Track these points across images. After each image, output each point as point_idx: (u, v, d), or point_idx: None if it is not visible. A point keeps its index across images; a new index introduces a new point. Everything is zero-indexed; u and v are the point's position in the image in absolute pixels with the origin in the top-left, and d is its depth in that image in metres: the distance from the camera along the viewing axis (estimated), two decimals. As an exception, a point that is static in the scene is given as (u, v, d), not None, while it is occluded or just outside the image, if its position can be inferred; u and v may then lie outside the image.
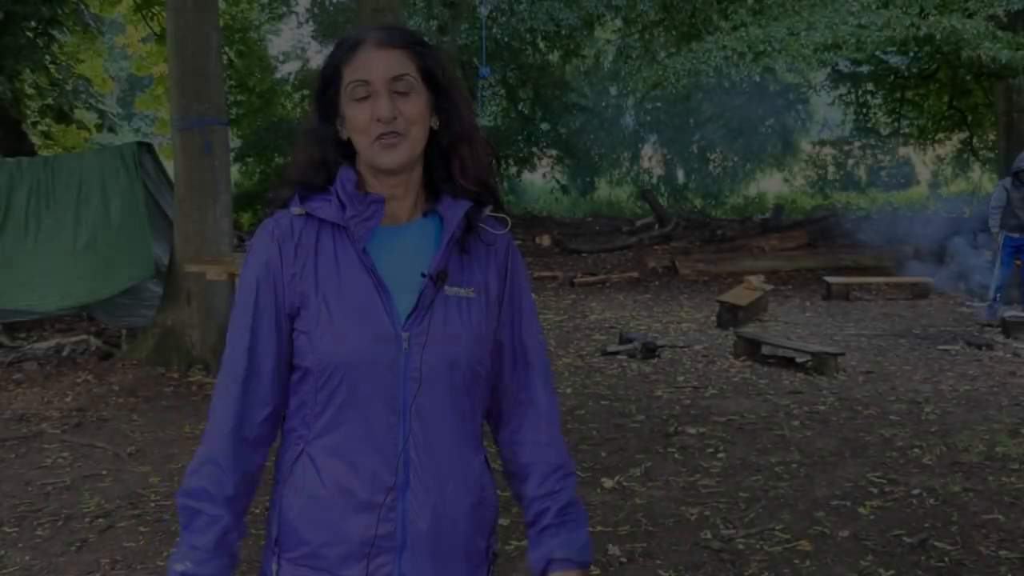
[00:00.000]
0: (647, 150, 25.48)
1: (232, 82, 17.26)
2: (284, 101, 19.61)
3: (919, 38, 9.67)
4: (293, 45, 26.56)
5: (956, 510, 4.34)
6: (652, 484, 4.72)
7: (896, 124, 20.06)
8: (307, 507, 1.43)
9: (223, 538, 1.45)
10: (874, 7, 9.95)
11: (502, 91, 21.21)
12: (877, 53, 13.21)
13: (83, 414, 6.12)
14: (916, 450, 5.24)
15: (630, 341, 8.07)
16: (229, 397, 1.47)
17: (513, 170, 22.27)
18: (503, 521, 3.57)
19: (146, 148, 9.01)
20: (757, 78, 15.62)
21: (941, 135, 19.88)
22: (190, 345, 7.30)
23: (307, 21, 20.45)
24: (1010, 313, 8.95)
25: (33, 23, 12.51)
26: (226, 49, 15.50)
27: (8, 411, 6.20)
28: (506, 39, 15.65)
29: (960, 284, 11.26)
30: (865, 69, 17.50)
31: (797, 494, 4.56)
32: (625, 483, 4.73)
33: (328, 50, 1.51)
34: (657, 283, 12.57)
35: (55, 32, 12.93)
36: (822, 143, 24.59)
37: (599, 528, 4.13)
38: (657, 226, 16.84)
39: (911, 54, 13.69)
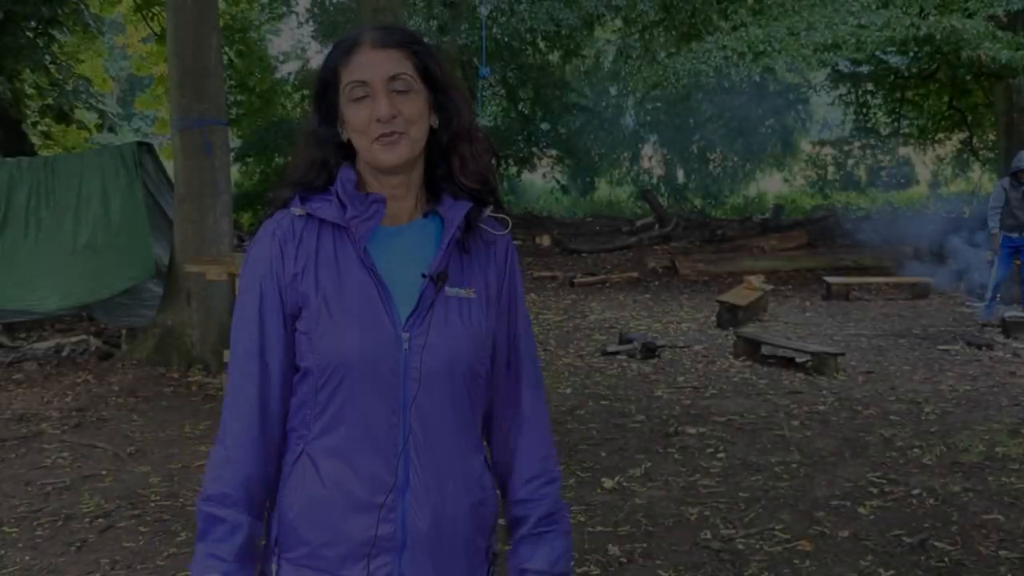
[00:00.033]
0: (647, 150, 25.48)
1: (232, 82, 17.26)
2: (284, 101, 19.61)
3: (919, 38, 9.68)
4: (293, 45, 26.64)
5: (956, 510, 4.34)
6: (652, 484, 4.72)
7: (896, 124, 20.06)
8: (307, 507, 1.43)
9: (247, 546, 1.45)
10: (874, 7, 9.94)
11: (502, 91, 21.21)
12: (877, 53, 13.22)
13: (83, 414, 6.12)
14: (916, 450, 5.24)
15: (630, 341, 8.07)
16: (245, 398, 1.46)
17: (513, 170, 22.27)
18: (503, 521, 3.57)
19: (146, 148, 9.01)
20: (757, 78, 15.62)
21: (941, 135, 19.88)
22: (190, 345, 7.30)
23: (307, 21, 20.45)
24: (1010, 313, 8.95)
25: (33, 23, 12.52)
26: (226, 49, 15.51)
27: (8, 411, 6.20)
28: (506, 39, 15.64)
29: (960, 284, 11.26)
30: (865, 69, 17.50)
31: (797, 494, 4.57)
32: (625, 483, 4.73)
33: (327, 50, 1.51)
34: (657, 283, 12.57)
35: (55, 32, 12.93)
36: (822, 143, 24.58)
37: (599, 528, 4.13)
38: (657, 226, 16.84)
39: (911, 54, 13.69)
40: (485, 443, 1.59)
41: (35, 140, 13.96)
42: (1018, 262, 9.65)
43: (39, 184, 8.15)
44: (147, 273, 8.03)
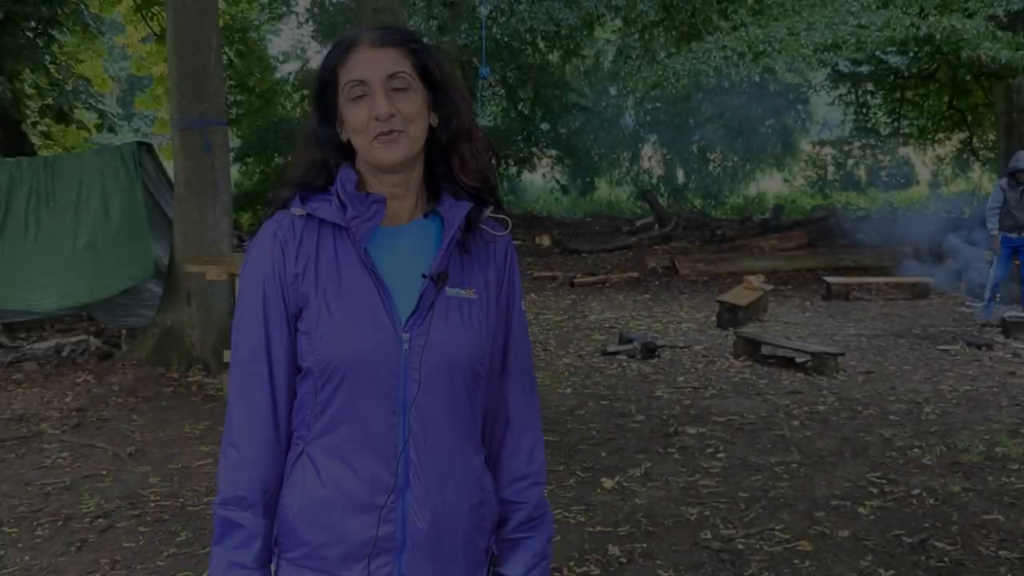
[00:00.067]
0: (647, 150, 25.48)
1: (232, 82, 17.26)
2: (284, 101, 19.61)
3: (919, 38, 9.67)
4: (293, 45, 26.63)
5: (956, 510, 4.34)
6: (652, 484, 4.72)
7: (896, 124, 20.06)
8: (307, 507, 1.44)
9: (266, 549, 1.46)
10: (874, 7, 9.94)
11: (502, 91, 21.21)
12: (877, 53, 13.21)
13: (83, 414, 6.12)
14: (916, 450, 5.24)
15: (630, 341, 8.07)
16: (255, 399, 1.46)
17: (513, 170, 22.27)
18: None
19: (146, 148, 9.01)
20: (757, 78, 15.61)
21: (941, 135, 19.87)
22: (190, 345, 7.30)
23: (307, 21, 20.45)
24: (1010, 313, 8.95)
25: (33, 23, 12.51)
26: (226, 49, 15.51)
27: (8, 411, 6.20)
28: (506, 39, 15.63)
29: (960, 284, 11.26)
30: (865, 69, 17.49)
31: (797, 494, 4.57)
32: (625, 483, 4.73)
33: (327, 50, 1.51)
34: (657, 283, 12.57)
35: (55, 32, 12.93)
36: (822, 143, 24.58)
37: (599, 528, 4.13)
38: (657, 226, 16.84)
39: (911, 54, 13.69)
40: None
41: (35, 140, 13.96)
42: (1017, 262, 9.64)
43: (39, 184, 8.14)
44: (147, 273, 8.03)
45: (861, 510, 4.34)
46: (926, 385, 6.82)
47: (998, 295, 9.53)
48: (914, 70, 16.71)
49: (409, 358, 1.42)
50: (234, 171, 15.23)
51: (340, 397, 1.42)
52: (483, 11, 11.76)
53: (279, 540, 1.47)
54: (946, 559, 3.80)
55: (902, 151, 23.44)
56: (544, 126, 22.60)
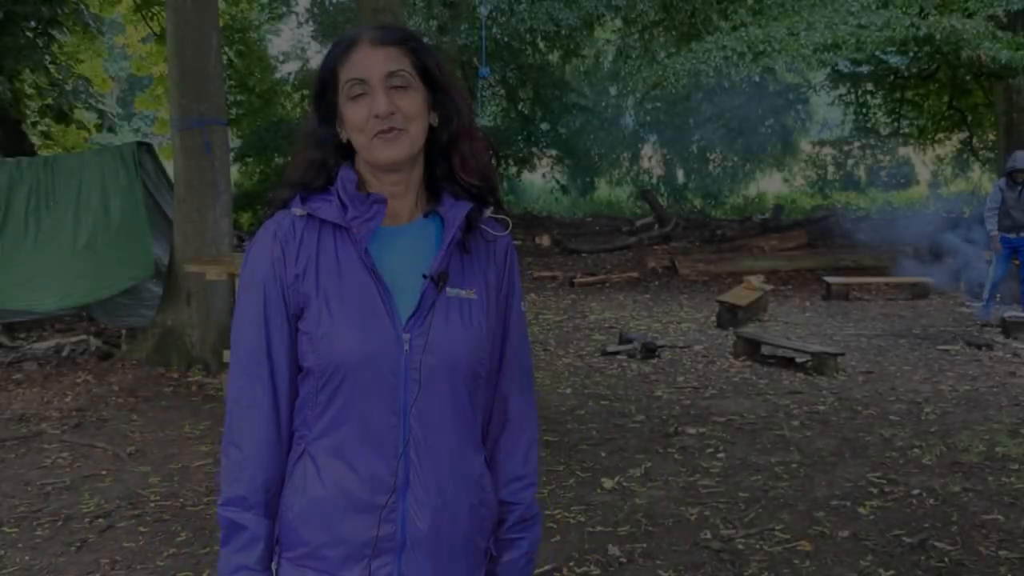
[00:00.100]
0: (647, 150, 25.47)
1: (232, 82, 17.26)
2: (284, 101, 19.61)
3: (919, 38, 9.67)
4: (293, 45, 26.63)
5: (956, 510, 4.34)
6: (652, 484, 4.72)
7: (896, 124, 20.06)
8: (307, 507, 1.44)
9: (268, 549, 1.47)
10: (874, 7, 9.94)
11: (502, 91, 21.21)
12: (877, 53, 13.20)
13: (83, 414, 6.12)
14: (916, 450, 5.24)
15: (630, 341, 8.07)
16: (256, 400, 1.46)
17: (513, 170, 22.26)
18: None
19: (146, 148, 9.00)
20: (757, 78, 15.62)
21: (941, 135, 19.87)
22: (190, 345, 7.30)
23: (307, 21, 20.46)
24: (1010, 313, 8.95)
25: (33, 23, 12.50)
26: (226, 49, 15.50)
27: (8, 411, 6.20)
28: (506, 39, 15.64)
29: (960, 284, 11.25)
30: (865, 69, 17.50)
31: (797, 494, 4.57)
32: (625, 483, 4.73)
33: (327, 50, 1.51)
34: (657, 283, 12.57)
35: (55, 32, 12.92)
36: (822, 143, 24.58)
37: (599, 528, 4.13)
38: (657, 226, 16.84)
39: (911, 54, 13.66)
40: None
41: (35, 140, 13.95)
42: (1016, 262, 9.64)
43: (39, 184, 8.14)
44: (147, 273, 8.03)
45: (861, 510, 4.34)
46: (926, 385, 6.82)
47: (998, 295, 9.53)
48: (914, 70, 16.71)
49: (410, 358, 1.42)
50: (234, 171, 15.24)
51: (341, 397, 1.42)
52: (483, 11, 11.77)
53: (280, 539, 1.47)
54: (946, 559, 3.80)
55: (902, 151, 23.44)
56: (544, 126, 22.60)
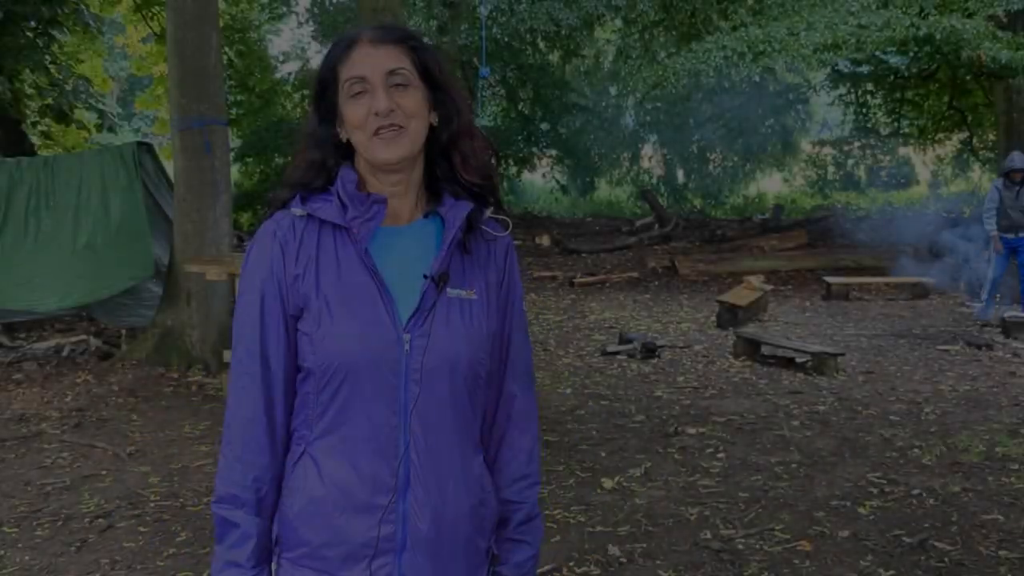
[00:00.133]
0: (647, 150, 25.47)
1: (232, 82, 17.25)
2: (284, 101, 19.60)
3: (919, 38, 9.67)
4: (293, 45, 26.62)
5: (956, 510, 4.34)
6: (652, 484, 4.72)
7: (896, 124, 20.06)
8: (307, 507, 1.44)
9: (261, 547, 1.47)
10: (874, 7, 9.94)
11: (502, 91, 21.21)
12: (877, 53, 13.21)
13: (83, 414, 6.12)
14: (916, 450, 5.24)
15: (630, 341, 8.07)
16: (250, 399, 1.46)
17: (513, 170, 22.26)
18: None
19: (146, 148, 9.00)
20: (757, 78, 15.62)
21: (941, 135, 19.87)
22: (190, 345, 7.30)
23: (307, 21, 20.45)
24: (1010, 313, 8.94)
25: (33, 23, 12.50)
26: (226, 49, 15.50)
27: (8, 411, 6.20)
28: (506, 39, 15.64)
29: (960, 284, 11.25)
30: (865, 69, 17.49)
31: (797, 494, 4.57)
32: (625, 483, 4.73)
33: (327, 49, 1.51)
34: (657, 283, 12.57)
35: (55, 32, 12.91)
36: (822, 143, 24.58)
37: (599, 528, 4.13)
38: (657, 226, 16.84)
39: (911, 54, 13.66)
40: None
41: (35, 140, 13.95)
42: (1015, 262, 9.63)
43: (39, 184, 8.14)
44: (147, 273, 8.03)
45: (861, 510, 4.34)
46: (926, 385, 6.82)
47: (998, 295, 9.53)
48: (914, 70, 16.70)
49: (410, 359, 1.42)
50: (234, 171, 15.22)
51: (341, 398, 1.42)
52: (483, 11, 11.76)
53: (280, 539, 1.47)
54: (946, 559, 3.80)
55: (902, 151, 23.44)
56: (544, 126, 22.60)
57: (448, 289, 1.46)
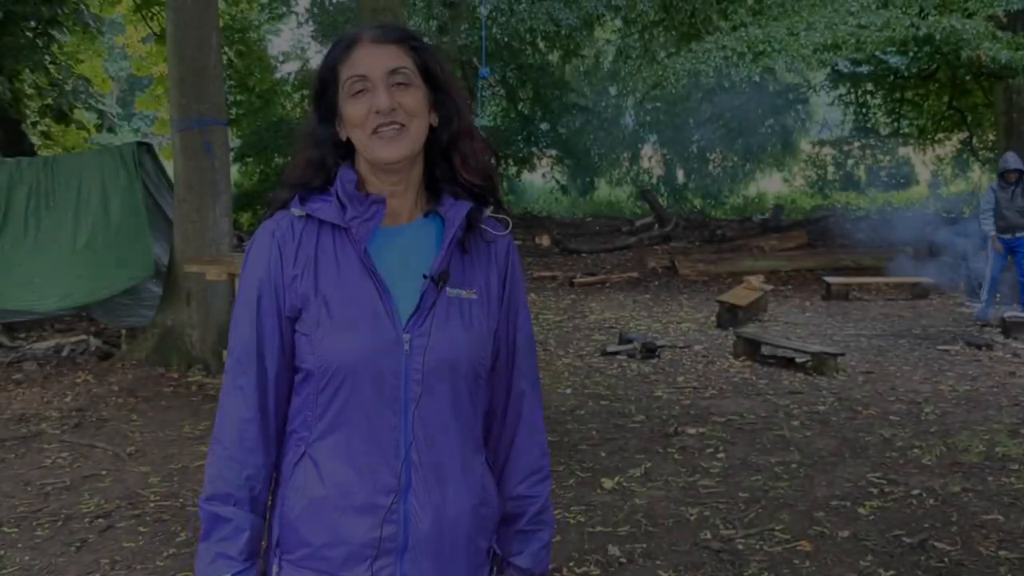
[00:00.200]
0: (647, 150, 25.46)
1: (232, 82, 17.25)
2: (284, 101, 19.60)
3: (919, 38, 9.67)
4: (293, 45, 26.63)
5: (956, 510, 4.34)
6: (652, 484, 4.72)
7: (896, 124, 20.05)
8: (308, 508, 1.43)
9: (253, 544, 1.46)
10: (874, 7, 9.94)
11: (502, 91, 21.21)
12: (877, 53, 13.20)
13: (83, 414, 6.12)
14: (916, 450, 5.24)
15: (630, 341, 8.07)
16: (243, 397, 1.46)
17: (513, 170, 22.26)
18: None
19: (146, 148, 9.01)
20: (757, 78, 15.61)
21: (941, 135, 19.86)
22: (190, 345, 7.30)
23: (307, 21, 20.44)
24: (1010, 313, 8.94)
25: (33, 23, 12.50)
26: (226, 49, 15.50)
27: (8, 411, 6.20)
28: (506, 39, 15.63)
29: (960, 284, 11.24)
30: (865, 69, 17.49)
31: (797, 494, 4.56)
32: (625, 483, 4.73)
33: (327, 49, 1.51)
34: (657, 283, 12.57)
35: (55, 32, 12.91)
36: (822, 143, 24.56)
37: (599, 528, 4.13)
38: (657, 226, 16.84)
39: (911, 54, 13.66)
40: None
41: (35, 140, 13.95)
42: (1013, 261, 9.62)
43: (39, 184, 8.14)
44: (147, 273, 8.03)
45: (861, 510, 4.34)
46: (926, 385, 6.82)
47: (997, 295, 9.52)
48: (914, 70, 16.69)
49: (410, 359, 1.42)
50: (234, 171, 15.23)
51: (341, 398, 1.42)
52: (483, 11, 11.75)
53: (280, 541, 1.47)
54: (946, 559, 3.80)
55: (902, 151, 23.42)
56: (544, 126, 22.60)
57: (448, 288, 1.46)
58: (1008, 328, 8.61)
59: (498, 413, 1.58)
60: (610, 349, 8.02)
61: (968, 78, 15.53)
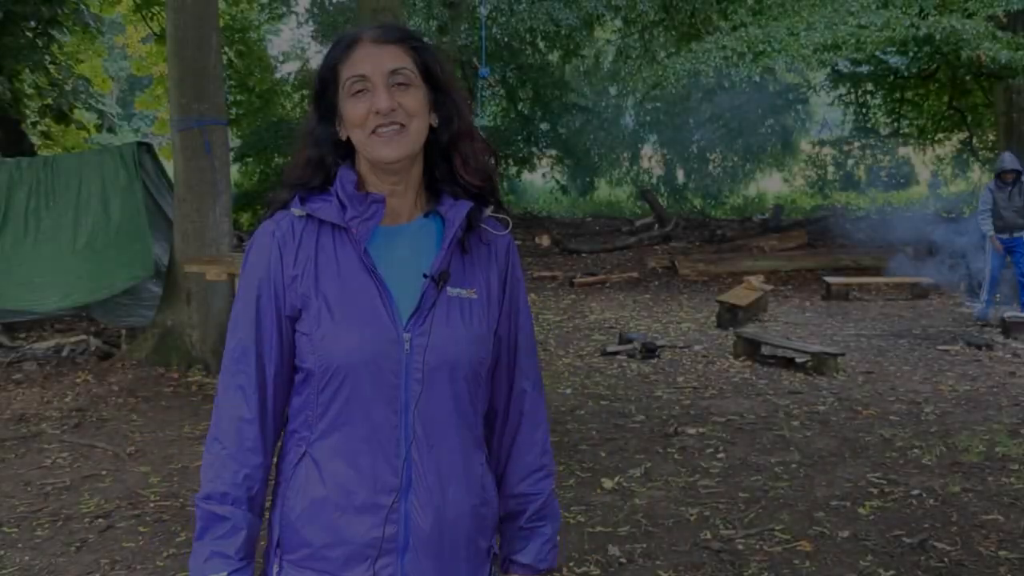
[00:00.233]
0: (647, 150, 25.46)
1: (232, 82, 17.25)
2: (284, 101, 19.60)
3: (919, 38, 9.67)
4: (293, 45, 26.61)
5: (956, 510, 4.34)
6: (652, 484, 4.72)
7: (896, 124, 20.05)
8: (309, 509, 1.43)
9: (249, 543, 1.46)
10: (874, 7, 9.94)
11: (502, 91, 21.21)
12: (877, 53, 13.20)
13: (83, 414, 6.12)
14: (916, 450, 5.24)
15: (630, 341, 8.07)
16: (242, 396, 1.46)
17: (513, 170, 22.25)
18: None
19: (146, 148, 9.00)
20: (757, 78, 15.61)
21: (941, 135, 19.87)
22: (190, 345, 7.30)
23: (307, 21, 20.44)
24: (1010, 313, 8.94)
25: (33, 23, 12.50)
26: (226, 49, 15.50)
27: (8, 411, 6.20)
28: (506, 39, 15.64)
29: (959, 283, 11.24)
30: (865, 69, 17.49)
31: (797, 494, 4.57)
32: (625, 483, 4.73)
33: (328, 48, 1.51)
34: (657, 283, 12.57)
35: (55, 32, 12.91)
36: (822, 143, 24.56)
37: (599, 528, 4.13)
38: (657, 226, 16.84)
39: (911, 54, 13.68)
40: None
41: (35, 140, 13.95)
42: (1011, 261, 9.62)
43: (39, 184, 8.14)
44: (147, 273, 8.03)
45: (861, 510, 4.34)
46: (926, 385, 6.82)
47: (997, 295, 9.52)
48: (914, 70, 16.70)
49: (410, 358, 1.42)
50: (234, 171, 15.23)
51: (342, 398, 1.42)
52: (483, 11, 11.75)
53: (281, 541, 1.47)
54: (946, 559, 3.80)
55: (902, 151, 23.42)
56: (544, 126, 22.60)
57: (448, 288, 1.46)
58: (1008, 328, 8.60)
59: (500, 412, 1.59)
60: (610, 349, 8.02)
61: (968, 78, 15.54)
